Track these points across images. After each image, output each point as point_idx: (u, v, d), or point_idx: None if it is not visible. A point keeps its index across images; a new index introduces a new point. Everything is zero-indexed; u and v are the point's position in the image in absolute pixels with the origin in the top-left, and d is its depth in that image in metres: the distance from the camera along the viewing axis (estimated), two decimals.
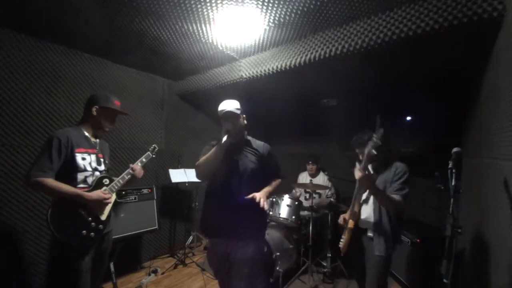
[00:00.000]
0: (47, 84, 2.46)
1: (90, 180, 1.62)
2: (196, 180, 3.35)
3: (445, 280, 1.27)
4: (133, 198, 2.86)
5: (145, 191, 3.00)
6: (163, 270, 3.02)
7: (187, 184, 3.36)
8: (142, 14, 1.96)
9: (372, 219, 1.78)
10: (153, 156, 2.06)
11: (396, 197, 1.66)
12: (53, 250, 1.56)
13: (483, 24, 1.48)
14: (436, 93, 2.83)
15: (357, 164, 1.67)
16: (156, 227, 3.01)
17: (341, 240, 1.96)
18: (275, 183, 1.78)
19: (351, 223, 1.84)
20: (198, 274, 2.96)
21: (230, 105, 1.72)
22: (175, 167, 3.44)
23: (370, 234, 1.78)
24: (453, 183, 1.30)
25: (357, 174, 1.63)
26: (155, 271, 2.91)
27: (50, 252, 1.52)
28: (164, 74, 3.42)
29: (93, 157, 1.68)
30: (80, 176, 1.58)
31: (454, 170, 1.31)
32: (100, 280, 1.75)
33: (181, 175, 3.31)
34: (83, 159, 1.60)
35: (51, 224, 1.43)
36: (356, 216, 1.84)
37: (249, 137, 1.82)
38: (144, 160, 1.97)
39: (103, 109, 1.70)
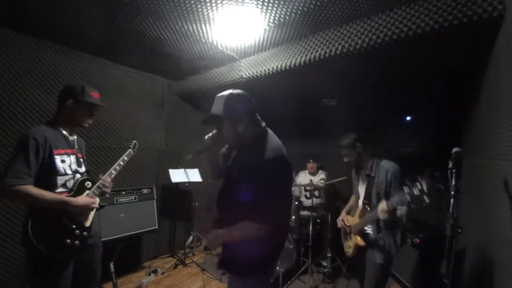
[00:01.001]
0: (47, 84, 2.46)
1: (70, 183, 1.47)
2: (196, 180, 3.40)
3: (445, 280, 1.27)
4: (133, 198, 2.86)
5: (145, 191, 3.00)
6: (163, 270, 3.02)
7: (187, 184, 3.36)
8: (142, 14, 1.96)
9: (372, 227, 1.75)
10: (134, 153, 1.91)
11: (404, 211, 1.60)
12: (29, 266, 1.34)
13: (483, 24, 1.48)
14: (436, 93, 2.82)
15: (384, 202, 1.55)
16: (156, 227, 3.01)
17: (346, 246, 1.96)
18: (248, 226, 1.12)
19: (361, 241, 1.79)
20: (198, 274, 2.96)
21: (216, 104, 1.31)
22: (175, 167, 3.44)
23: (369, 239, 1.76)
24: (453, 183, 1.30)
25: (383, 214, 1.54)
26: (155, 271, 2.91)
27: (25, 269, 1.36)
28: (164, 74, 3.42)
29: (73, 158, 1.51)
30: (60, 181, 1.42)
31: (454, 170, 1.31)
32: (95, 285, 1.64)
33: (181, 175, 3.31)
34: (63, 161, 1.43)
35: (33, 237, 1.26)
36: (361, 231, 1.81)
37: (267, 137, 1.31)
38: (126, 158, 1.81)
39: (79, 103, 1.49)
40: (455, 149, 1.37)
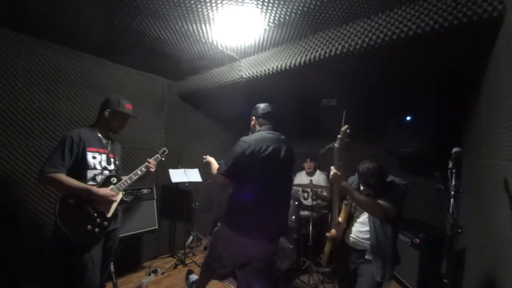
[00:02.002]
0: (47, 84, 2.46)
1: (99, 178, 1.71)
2: (196, 180, 3.40)
3: (445, 280, 1.27)
4: (133, 198, 2.86)
5: (145, 191, 3.00)
6: (163, 270, 3.02)
7: (187, 184, 3.36)
8: (142, 14, 1.96)
9: (369, 241, 1.66)
10: (162, 159, 2.18)
11: (386, 204, 1.55)
12: (54, 244, 1.61)
13: (483, 24, 1.48)
14: (436, 93, 2.82)
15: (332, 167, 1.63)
16: (156, 227, 3.01)
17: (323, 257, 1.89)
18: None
19: (332, 233, 1.77)
20: (198, 274, 2.96)
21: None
22: (175, 167, 3.44)
23: (368, 257, 1.66)
24: (453, 183, 1.30)
25: (332, 171, 1.62)
26: (155, 271, 2.91)
27: (51, 247, 1.66)
28: (164, 74, 3.42)
29: (104, 156, 1.76)
30: (90, 174, 1.67)
31: (454, 170, 1.31)
32: (103, 277, 1.80)
33: (181, 175, 3.31)
34: (94, 157, 1.69)
35: (58, 218, 1.49)
36: (341, 228, 1.76)
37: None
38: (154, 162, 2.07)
39: (115, 112, 1.80)
40: (455, 149, 1.37)
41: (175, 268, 3.11)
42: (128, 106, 1.87)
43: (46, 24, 2.15)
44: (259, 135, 1.76)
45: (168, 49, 2.56)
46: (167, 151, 2.23)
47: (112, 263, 2.48)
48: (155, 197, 3.08)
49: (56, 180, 1.51)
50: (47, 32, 2.30)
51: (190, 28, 2.14)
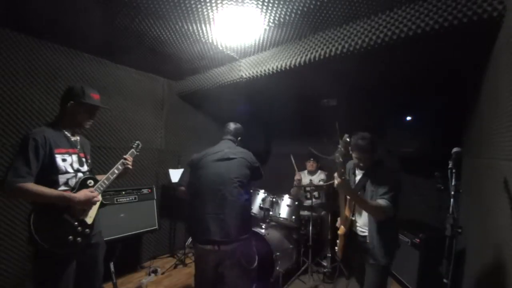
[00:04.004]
0: (47, 84, 2.46)
1: (72, 182, 1.50)
2: None
3: (445, 280, 1.27)
4: (133, 198, 2.86)
5: (145, 191, 3.00)
6: (163, 270, 3.02)
7: None
8: (142, 14, 1.96)
9: (367, 228, 1.71)
10: (137, 153, 1.93)
11: (382, 202, 1.57)
12: (34, 260, 1.39)
13: (483, 24, 1.48)
14: (436, 93, 2.82)
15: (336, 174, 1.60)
16: (156, 227, 3.01)
17: (337, 249, 1.95)
18: None
19: (341, 230, 1.82)
20: None
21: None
22: (175, 167, 3.43)
23: (368, 242, 1.71)
24: (453, 183, 1.30)
25: (336, 182, 1.58)
26: (155, 271, 2.91)
27: (31, 263, 1.46)
28: (164, 74, 3.42)
29: (75, 157, 1.54)
30: (62, 179, 1.45)
31: (454, 170, 1.31)
32: (97, 284, 1.65)
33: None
34: (64, 160, 1.47)
35: (34, 233, 1.30)
36: (348, 222, 1.79)
37: None
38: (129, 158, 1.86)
39: (80, 105, 1.53)
40: (455, 149, 1.37)
41: (175, 268, 3.11)
42: (95, 96, 1.59)
43: (46, 24, 2.15)
44: None
45: (168, 49, 2.55)
46: (140, 144, 1.99)
47: (112, 263, 2.48)
48: (155, 197, 3.08)
49: (24, 191, 1.29)
50: (47, 32, 2.30)
51: (190, 28, 2.14)
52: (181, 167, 3.44)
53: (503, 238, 1.35)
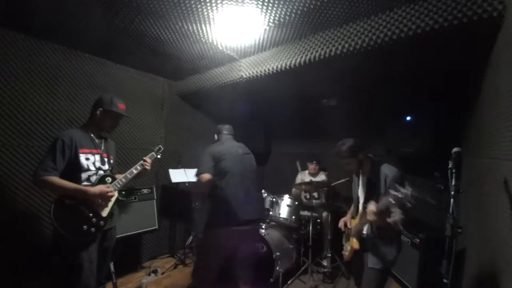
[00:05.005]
0: (47, 84, 2.45)
1: (93, 179, 1.69)
2: (196, 180, 3.39)
3: (445, 280, 1.27)
4: (133, 198, 2.86)
5: (145, 191, 3.00)
6: (163, 270, 3.02)
7: (187, 184, 3.36)
8: (142, 14, 1.96)
9: (369, 231, 1.69)
10: (158, 156, 2.14)
11: (399, 214, 1.47)
12: (53, 245, 1.65)
13: (483, 24, 1.48)
14: (436, 93, 2.82)
15: (372, 203, 1.48)
16: (156, 227, 3.01)
17: (344, 249, 1.93)
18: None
19: (356, 244, 1.75)
20: None
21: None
22: (175, 167, 3.43)
23: (371, 245, 1.69)
24: (453, 183, 1.30)
25: (371, 216, 1.47)
26: (155, 271, 2.91)
27: (50, 247, 1.68)
28: (164, 74, 3.42)
29: (97, 157, 1.74)
30: (84, 175, 1.65)
31: (454, 170, 1.31)
32: (102, 276, 1.80)
33: (181, 175, 3.31)
34: (87, 159, 1.67)
35: (53, 219, 1.49)
36: (360, 233, 1.76)
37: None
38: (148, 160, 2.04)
39: (107, 112, 1.76)
40: (455, 149, 1.37)
41: (175, 268, 3.11)
42: (121, 106, 1.83)
43: (46, 24, 2.15)
44: None
45: (168, 49, 2.56)
46: (162, 148, 2.18)
47: (112, 263, 2.48)
48: (155, 197, 3.08)
49: (49, 183, 1.52)
50: (47, 32, 2.30)
51: (190, 28, 2.14)
52: (181, 167, 3.44)
53: (503, 238, 1.35)
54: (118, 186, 1.76)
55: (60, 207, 1.54)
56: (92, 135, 1.77)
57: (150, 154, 2.07)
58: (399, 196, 1.27)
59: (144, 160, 1.95)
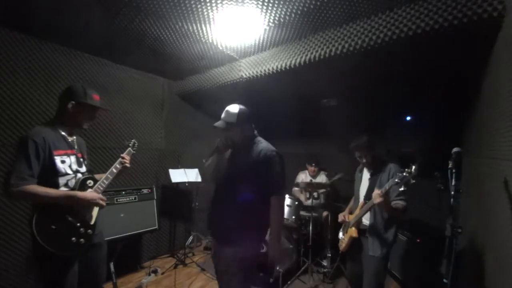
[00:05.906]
0: (47, 84, 2.45)
1: (72, 183, 1.49)
2: (196, 180, 3.40)
3: (445, 280, 1.27)
4: (133, 198, 2.86)
5: (145, 191, 3.00)
6: (163, 270, 3.02)
7: (187, 184, 3.36)
8: (142, 14, 1.96)
9: (368, 221, 1.83)
10: (134, 151, 1.89)
11: (402, 202, 1.72)
12: (36, 263, 1.39)
13: (483, 24, 1.48)
14: (436, 93, 2.82)
15: (376, 189, 1.69)
16: (156, 227, 3.01)
17: (340, 238, 2.03)
18: (273, 209, 1.51)
19: (355, 232, 1.88)
20: (198, 274, 2.97)
21: (222, 117, 1.67)
22: (175, 167, 3.44)
23: (367, 235, 1.82)
24: (453, 183, 1.30)
25: (377, 199, 1.63)
26: (155, 271, 2.91)
27: (33, 265, 1.41)
28: (164, 74, 3.42)
29: (73, 158, 1.53)
30: (62, 180, 1.44)
31: (454, 170, 1.31)
32: (101, 285, 1.65)
33: (181, 175, 3.31)
34: (63, 162, 1.45)
35: (37, 234, 1.28)
36: (359, 222, 1.90)
37: (256, 139, 1.69)
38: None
39: (81, 105, 1.50)
40: (455, 149, 1.36)
41: (175, 268, 3.11)
42: (96, 97, 1.57)
43: (46, 24, 2.15)
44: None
45: (168, 49, 2.55)
46: (137, 143, 1.94)
47: (112, 263, 2.48)
48: (155, 197, 3.08)
49: (29, 193, 1.29)
50: (47, 32, 2.30)
51: (190, 28, 2.14)
52: (181, 167, 3.44)
53: (503, 238, 1.35)
54: (101, 188, 1.58)
55: (43, 218, 1.32)
56: (63, 133, 1.51)
57: (127, 151, 1.82)
58: (404, 174, 1.53)
59: (122, 157, 1.72)
